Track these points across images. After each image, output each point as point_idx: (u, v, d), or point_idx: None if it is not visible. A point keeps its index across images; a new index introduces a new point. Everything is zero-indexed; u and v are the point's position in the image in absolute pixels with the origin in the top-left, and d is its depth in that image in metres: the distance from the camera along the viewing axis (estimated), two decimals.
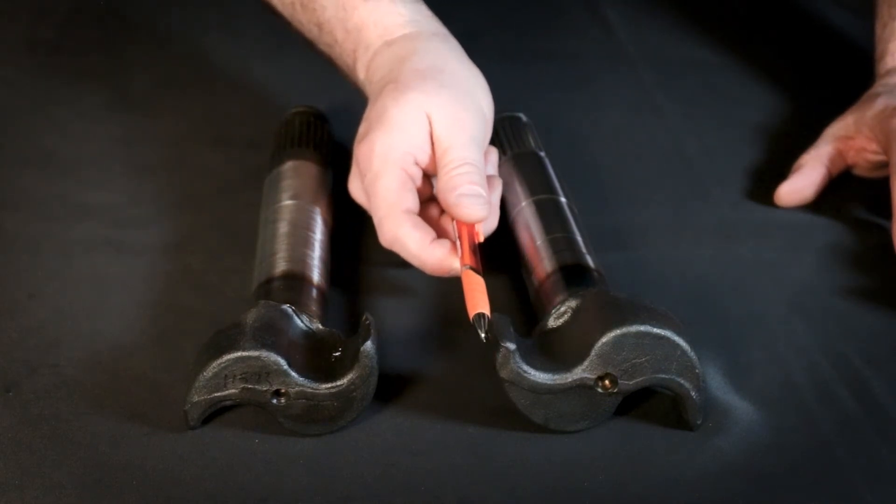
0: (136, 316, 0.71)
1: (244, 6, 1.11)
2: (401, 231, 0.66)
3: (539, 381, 0.60)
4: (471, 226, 0.67)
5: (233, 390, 0.60)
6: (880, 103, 0.81)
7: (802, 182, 0.82)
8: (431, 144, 0.69)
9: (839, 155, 0.83)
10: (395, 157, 0.68)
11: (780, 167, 0.86)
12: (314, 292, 0.67)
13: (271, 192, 0.76)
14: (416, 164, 0.69)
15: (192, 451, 0.61)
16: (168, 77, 0.97)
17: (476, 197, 0.66)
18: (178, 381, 0.63)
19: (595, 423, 0.62)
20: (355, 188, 0.71)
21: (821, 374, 0.66)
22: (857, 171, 0.84)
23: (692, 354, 0.60)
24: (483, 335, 0.61)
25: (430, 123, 0.69)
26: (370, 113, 0.71)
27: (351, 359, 0.61)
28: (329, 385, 0.60)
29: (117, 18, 0.97)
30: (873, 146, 0.81)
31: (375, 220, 0.68)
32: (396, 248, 0.67)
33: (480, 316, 0.61)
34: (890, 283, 0.74)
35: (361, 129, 0.71)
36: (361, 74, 0.76)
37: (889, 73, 0.86)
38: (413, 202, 0.68)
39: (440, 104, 0.69)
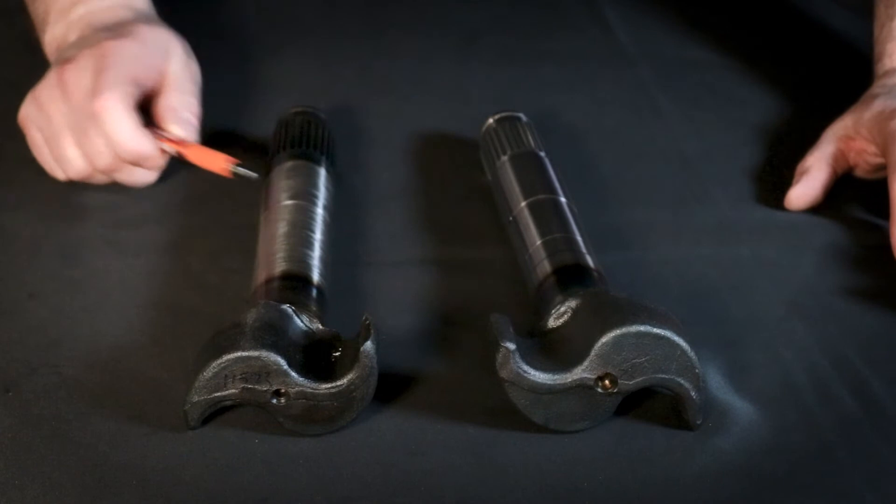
0: (136, 316, 0.71)
1: (244, 6, 1.11)
2: (121, 106, 0.76)
3: (539, 381, 0.60)
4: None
5: (233, 390, 0.60)
6: (878, 105, 0.81)
7: (812, 185, 0.81)
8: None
9: (842, 155, 0.83)
10: (145, 60, 0.80)
11: (780, 167, 0.86)
12: (314, 292, 0.67)
13: (271, 192, 0.76)
14: (143, 83, 0.80)
15: (192, 451, 0.61)
16: None
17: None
18: (178, 381, 0.63)
19: (595, 423, 0.62)
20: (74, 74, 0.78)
21: (821, 374, 0.66)
22: (858, 173, 0.84)
23: (692, 354, 0.60)
24: (247, 172, 0.75)
25: (168, 56, 0.82)
26: (105, 35, 0.81)
27: (351, 359, 0.61)
28: (329, 385, 0.60)
29: None
30: (872, 148, 0.81)
31: (95, 91, 0.76)
32: (105, 117, 0.76)
33: (240, 166, 0.76)
34: (890, 283, 0.74)
35: (95, 40, 0.80)
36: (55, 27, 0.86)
37: (887, 73, 0.86)
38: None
39: (180, 46, 0.83)
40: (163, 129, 0.80)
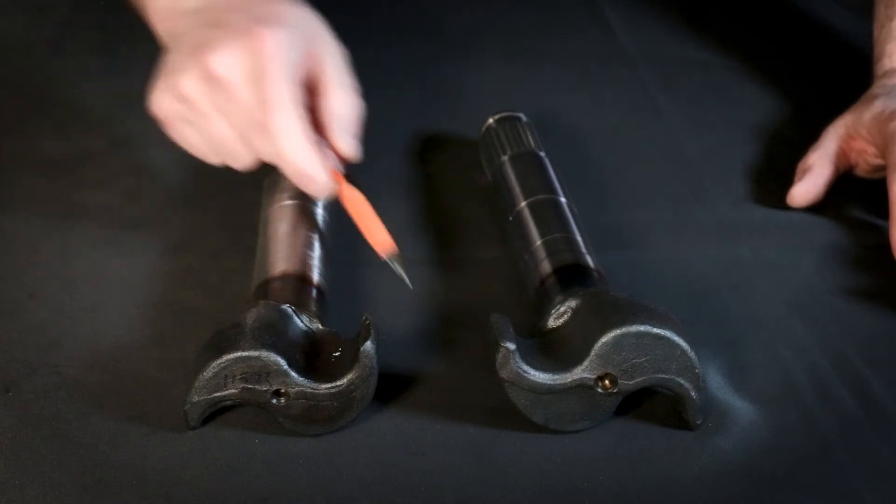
0: (136, 316, 0.71)
1: None
2: (299, 123, 0.66)
3: (539, 381, 0.60)
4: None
5: (233, 390, 0.60)
6: (878, 105, 0.81)
7: (814, 182, 0.81)
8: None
9: (843, 154, 0.83)
10: (306, 58, 0.69)
11: (780, 167, 0.86)
12: (314, 292, 0.67)
13: (271, 192, 0.76)
14: (304, 79, 0.69)
15: (192, 451, 0.61)
16: None
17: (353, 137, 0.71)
18: (178, 381, 0.63)
19: (595, 423, 0.62)
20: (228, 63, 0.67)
21: (821, 374, 0.66)
22: (858, 172, 0.84)
23: (692, 354, 0.60)
24: (401, 272, 0.66)
25: (322, 45, 0.71)
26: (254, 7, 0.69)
27: (351, 359, 0.61)
28: (329, 385, 0.60)
29: (117, 18, 0.97)
30: (872, 149, 0.81)
31: (265, 103, 0.66)
32: (283, 139, 0.66)
33: (395, 255, 0.66)
34: (890, 283, 0.74)
35: (247, 17, 0.68)
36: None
37: (887, 74, 0.86)
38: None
39: (325, 26, 0.72)
40: (327, 140, 0.70)
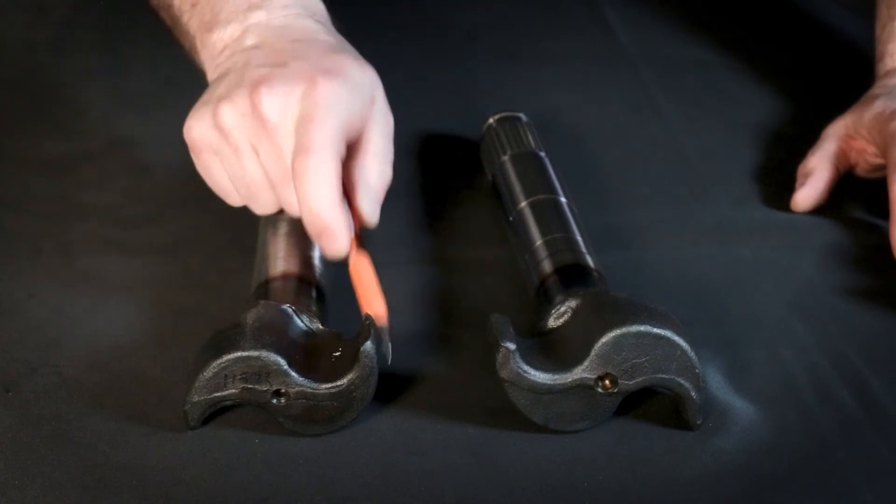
0: (136, 316, 0.71)
1: None
2: (333, 175, 0.64)
3: (539, 381, 0.60)
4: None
5: (233, 390, 0.60)
6: (878, 105, 0.81)
7: (817, 186, 0.81)
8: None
9: (843, 154, 0.83)
10: (356, 110, 0.66)
11: (780, 167, 0.86)
12: (314, 292, 0.67)
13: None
14: (349, 137, 0.67)
15: (192, 451, 0.61)
16: (168, 77, 0.97)
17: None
18: (178, 381, 0.63)
19: (595, 423, 0.62)
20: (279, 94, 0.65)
21: (821, 374, 0.66)
22: (858, 172, 0.84)
23: (692, 354, 0.60)
24: (386, 346, 0.62)
25: (372, 107, 0.68)
26: (323, 53, 0.68)
27: (351, 359, 0.61)
28: (329, 385, 0.60)
29: (117, 18, 0.97)
30: (872, 148, 0.81)
31: (305, 148, 0.64)
32: (313, 186, 0.63)
33: (385, 329, 0.62)
34: (890, 283, 0.74)
35: (316, 54, 0.68)
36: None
37: (888, 74, 0.86)
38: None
39: (381, 89, 0.69)
40: (351, 201, 0.67)
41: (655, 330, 0.59)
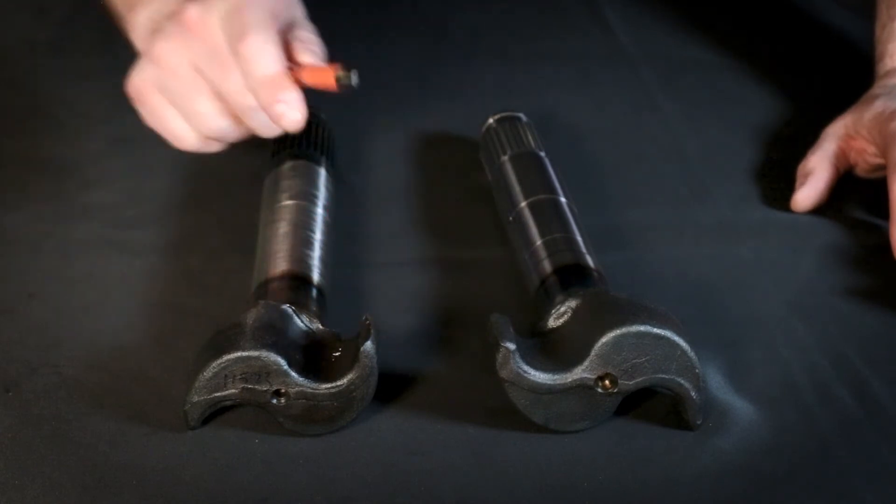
0: (136, 316, 0.71)
1: None
2: (274, 46, 0.69)
3: (539, 381, 0.60)
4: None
5: (233, 390, 0.60)
6: (878, 105, 0.81)
7: (817, 186, 0.81)
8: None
9: (843, 154, 0.83)
10: (276, 5, 0.72)
11: (780, 167, 0.86)
12: (314, 292, 0.68)
13: (271, 192, 0.76)
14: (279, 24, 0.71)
15: (192, 451, 0.61)
16: None
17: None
18: (178, 381, 0.63)
19: (595, 423, 0.62)
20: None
21: (821, 374, 0.66)
22: (858, 172, 0.84)
23: (692, 354, 0.60)
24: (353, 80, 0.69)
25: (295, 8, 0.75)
26: None
27: (351, 359, 0.61)
28: (329, 385, 0.60)
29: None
30: (872, 148, 0.81)
31: (242, 31, 0.68)
32: (256, 58, 0.68)
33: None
34: (890, 283, 0.74)
35: None
36: None
37: (888, 74, 0.86)
38: None
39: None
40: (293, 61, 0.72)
41: (655, 330, 0.59)
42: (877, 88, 0.85)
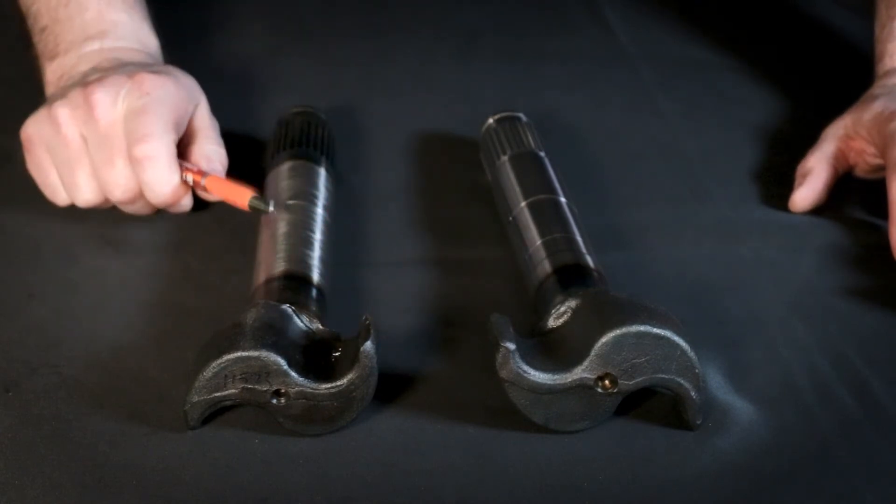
0: (136, 316, 0.71)
1: (244, 6, 1.11)
2: (170, 154, 0.74)
3: (539, 381, 0.60)
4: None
5: (233, 390, 0.60)
6: (878, 106, 0.81)
7: (815, 186, 0.81)
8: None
9: (842, 155, 0.83)
10: (182, 105, 0.77)
11: (780, 167, 0.86)
12: (314, 292, 0.68)
13: (271, 193, 0.76)
14: (179, 128, 0.77)
15: (192, 451, 0.61)
16: None
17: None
18: (178, 381, 0.63)
19: (595, 423, 0.62)
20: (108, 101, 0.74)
21: (821, 374, 0.67)
22: (857, 172, 0.84)
23: (692, 354, 0.60)
24: (269, 209, 0.73)
25: (198, 106, 0.80)
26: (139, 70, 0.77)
27: (351, 359, 0.61)
28: (329, 385, 0.60)
29: None
30: (871, 149, 0.81)
31: (139, 135, 0.73)
32: (150, 165, 0.73)
33: (257, 199, 0.73)
34: (890, 283, 0.74)
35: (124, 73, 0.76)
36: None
37: (888, 74, 0.86)
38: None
39: (204, 95, 0.81)
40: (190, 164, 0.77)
41: (655, 330, 0.59)
42: (876, 88, 0.85)
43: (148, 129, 0.73)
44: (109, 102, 0.74)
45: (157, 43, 0.87)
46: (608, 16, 1.11)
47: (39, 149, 0.77)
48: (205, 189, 0.76)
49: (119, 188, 0.74)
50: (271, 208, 0.73)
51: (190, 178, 0.76)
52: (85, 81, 0.76)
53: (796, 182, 0.82)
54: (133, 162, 0.73)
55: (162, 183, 0.74)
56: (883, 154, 0.78)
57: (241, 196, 0.74)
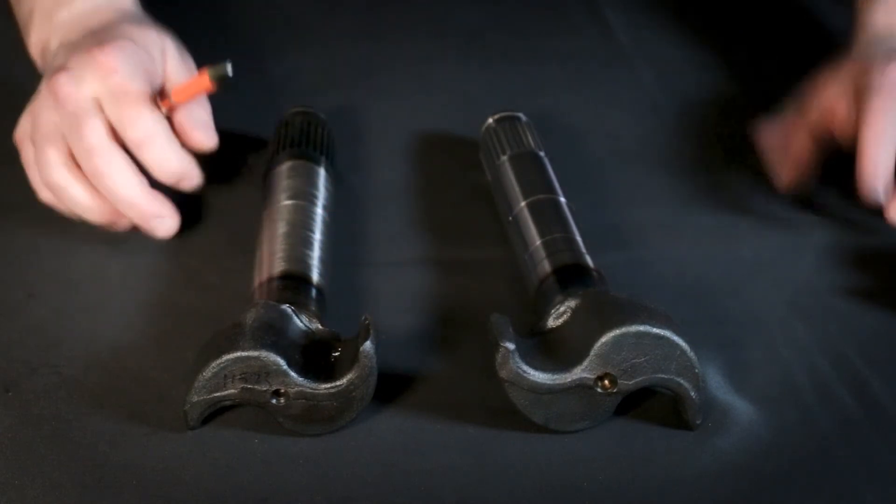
0: (136, 316, 0.71)
1: (244, 6, 1.11)
2: (162, 125, 0.74)
3: (539, 381, 0.60)
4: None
5: (232, 390, 0.60)
6: (848, 66, 0.80)
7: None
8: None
9: (824, 125, 0.81)
10: (150, 65, 0.77)
11: None
12: (314, 292, 0.68)
13: (271, 192, 0.76)
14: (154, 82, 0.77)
15: (192, 451, 0.61)
16: None
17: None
18: (178, 381, 0.63)
19: (595, 423, 0.62)
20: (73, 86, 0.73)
21: (821, 374, 0.67)
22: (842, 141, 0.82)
23: (691, 354, 0.60)
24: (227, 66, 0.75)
25: (165, 56, 0.79)
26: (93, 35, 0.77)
27: (350, 359, 0.61)
28: (329, 385, 0.60)
29: None
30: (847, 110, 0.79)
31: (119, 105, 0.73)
32: (146, 145, 0.73)
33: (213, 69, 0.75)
34: (890, 283, 0.74)
35: (85, 43, 0.76)
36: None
37: (862, 42, 0.85)
38: None
39: (171, 42, 0.80)
40: (184, 135, 0.77)
41: (655, 330, 0.59)
42: (851, 53, 0.83)
43: (131, 110, 0.73)
44: (70, 87, 0.73)
45: None
46: (608, 16, 1.11)
47: (27, 148, 0.77)
48: (175, 104, 0.76)
49: (90, 155, 0.73)
50: (229, 66, 0.75)
51: (164, 109, 0.76)
52: (51, 68, 0.77)
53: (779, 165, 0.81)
54: (132, 146, 0.73)
55: (168, 159, 0.73)
56: (857, 107, 0.77)
57: (201, 82, 0.75)
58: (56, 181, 0.74)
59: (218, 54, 1.02)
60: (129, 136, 0.72)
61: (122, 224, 0.76)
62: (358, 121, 0.93)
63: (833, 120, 0.80)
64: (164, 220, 0.74)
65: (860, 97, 0.77)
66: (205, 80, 0.75)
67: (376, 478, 0.60)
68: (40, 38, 0.83)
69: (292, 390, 0.60)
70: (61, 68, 0.75)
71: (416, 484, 0.59)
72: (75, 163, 0.73)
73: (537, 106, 0.91)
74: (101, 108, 0.74)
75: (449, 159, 0.89)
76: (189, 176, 0.75)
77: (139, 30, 0.78)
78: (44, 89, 0.75)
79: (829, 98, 0.80)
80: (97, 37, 0.77)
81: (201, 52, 0.92)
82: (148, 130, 0.73)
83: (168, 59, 0.79)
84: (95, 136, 0.72)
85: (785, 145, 0.82)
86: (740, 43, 1.06)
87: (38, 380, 0.65)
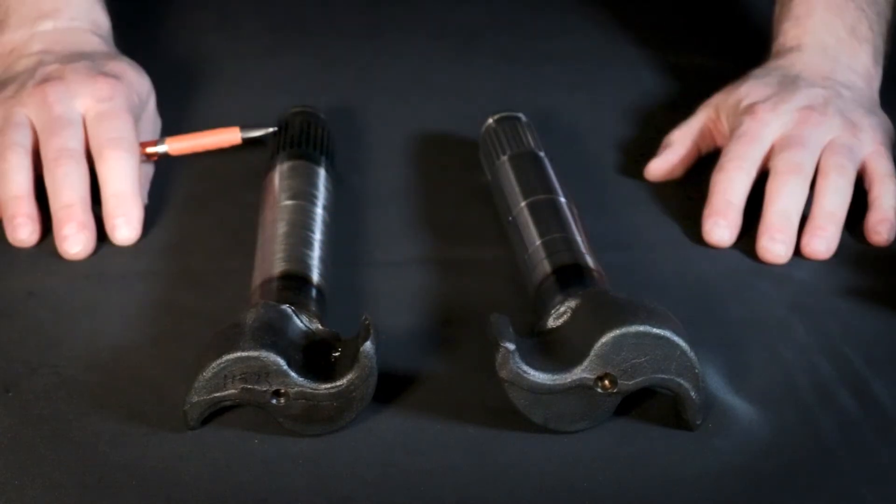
0: (136, 316, 0.71)
1: (243, 6, 1.11)
2: (135, 164, 0.77)
3: (538, 381, 0.60)
4: None
5: (232, 391, 0.60)
6: (742, 91, 0.83)
7: (669, 159, 0.84)
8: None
9: (708, 132, 0.84)
10: (137, 110, 0.81)
11: None
12: (314, 292, 0.67)
13: (271, 192, 0.76)
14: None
15: (192, 451, 0.61)
16: (167, 77, 0.97)
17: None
18: (178, 381, 0.63)
19: (595, 423, 0.62)
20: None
21: (821, 374, 0.66)
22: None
23: (692, 354, 0.60)
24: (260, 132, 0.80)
25: (144, 110, 0.83)
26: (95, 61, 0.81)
27: (350, 359, 0.61)
28: (329, 385, 0.60)
29: (116, 18, 0.97)
30: (728, 133, 0.82)
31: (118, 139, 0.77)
32: (118, 174, 0.76)
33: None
34: (890, 284, 0.74)
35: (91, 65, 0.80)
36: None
37: (778, 53, 0.87)
38: None
39: (153, 96, 0.86)
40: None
41: (655, 330, 0.59)
42: (759, 68, 0.86)
43: (113, 122, 0.77)
44: (63, 98, 0.77)
45: (108, 24, 0.88)
46: (608, 16, 1.11)
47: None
48: (161, 155, 0.81)
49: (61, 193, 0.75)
50: (268, 129, 0.79)
51: (161, 148, 0.81)
52: (41, 76, 0.78)
53: (658, 152, 0.84)
54: (96, 150, 0.76)
55: (125, 174, 0.76)
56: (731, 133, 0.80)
57: (222, 137, 0.79)
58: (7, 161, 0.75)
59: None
60: (101, 138, 0.76)
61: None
62: (358, 121, 0.93)
63: (716, 132, 0.85)
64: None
65: (732, 128, 0.80)
66: (232, 134, 0.80)
67: (376, 478, 0.59)
68: (13, 40, 0.84)
69: (292, 390, 0.60)
70: (59, 79, 0.77)
71: (416, 484, 0.59)
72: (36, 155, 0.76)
73: (537, 106, 0.92)
74: (84, 124, 0.77)
75: (449, 159, 0.89)
76: (129, 214, 0.76)
77: (136, 75, 0.83)
78: (32, 90, 0.77)
79: (717, 111, 0.84)
80: (97, 65, 0.80)
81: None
82: (120, 141, 0.76)
83: (145, 112, 0.83)
84: (72, 142, 0.75)
85: (666, 144, 0.85)
86: (740, 43, 1.06)
87: (38, 380, 0.65)
